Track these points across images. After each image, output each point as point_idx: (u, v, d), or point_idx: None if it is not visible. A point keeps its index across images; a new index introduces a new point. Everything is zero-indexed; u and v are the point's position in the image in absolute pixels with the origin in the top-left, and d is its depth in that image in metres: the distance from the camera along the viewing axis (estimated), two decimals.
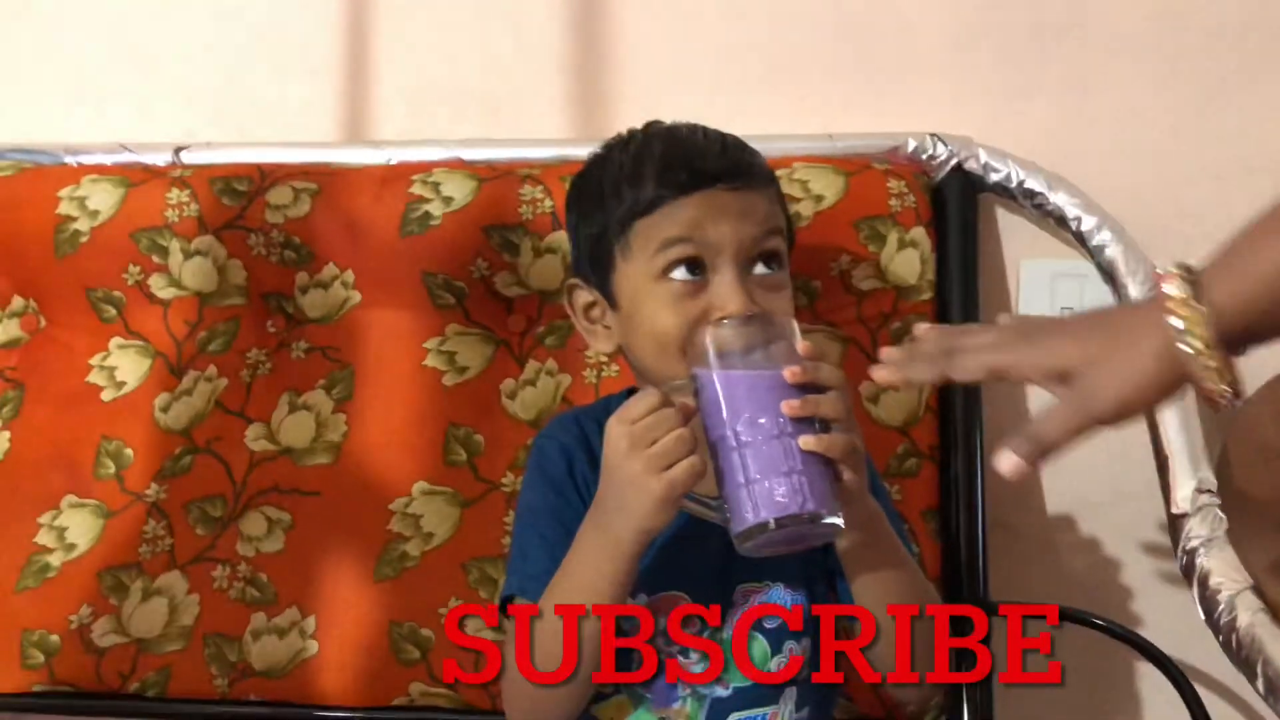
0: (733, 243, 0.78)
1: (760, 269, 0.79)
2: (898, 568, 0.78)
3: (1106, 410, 0.65)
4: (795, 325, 0.73)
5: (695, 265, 0.78)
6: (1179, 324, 0.61)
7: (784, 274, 0.81)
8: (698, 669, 0.80)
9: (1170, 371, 0.62)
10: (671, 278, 0.78)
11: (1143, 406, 0.65)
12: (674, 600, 0.80)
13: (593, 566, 0.74)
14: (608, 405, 0.87)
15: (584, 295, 0.85)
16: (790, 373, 0.70)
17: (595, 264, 0.82)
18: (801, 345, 0.72)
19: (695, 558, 0.79)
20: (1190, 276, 0.62)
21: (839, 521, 0.69)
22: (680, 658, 0.80)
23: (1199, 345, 0.61)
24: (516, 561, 0.83)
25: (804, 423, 0.69)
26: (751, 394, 0.70)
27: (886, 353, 0.72)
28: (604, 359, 1.04)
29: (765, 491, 0.68)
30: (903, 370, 0.71)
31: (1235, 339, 0.62)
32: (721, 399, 0.70)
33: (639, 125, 0.86)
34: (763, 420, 0.69)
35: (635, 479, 0.70)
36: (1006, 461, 0.67)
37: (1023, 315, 0.94)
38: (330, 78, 1.16)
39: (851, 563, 0.78)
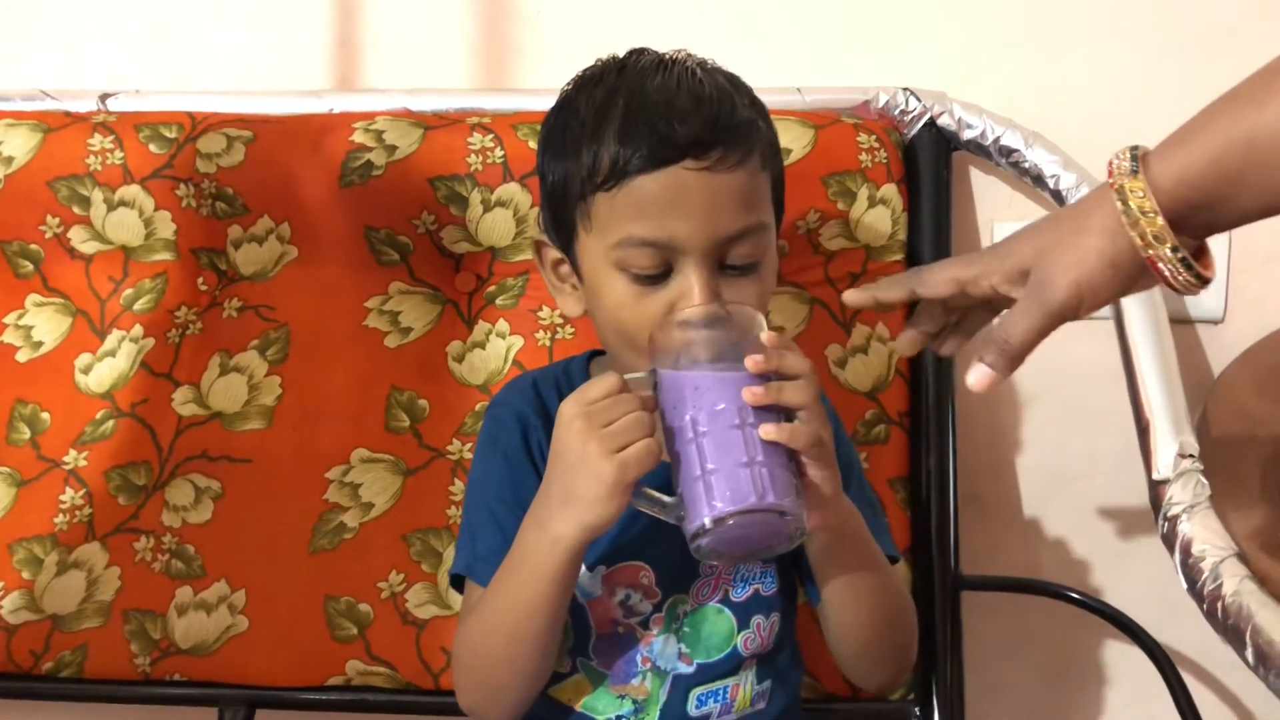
0: (700, 241, 0.70)
1: (732, 261, 0.72)
2: (871, 574, 0.74)
3: (1060, 297, 0.63)
4: (760, 317, 0.69)
5: (658, 262, 0.71)
6: (1121, 194, 0.61)
7: (759, 263, 0.73)
8: (659, 644, 0.75)
9: (1120, 247, 0.62)
10: (632, 271, 0.72)
11: (1099, 290, 0.63)
12: (635, 571, 0.75)
13: (532, 568, 0.69)
14: (567, 368, 0.82)
15: (553, 252, 0.78)
16: (753, 361, 0.65)
17: (558, 225, 0.76)
18: (766, 335, 0.67)
19: (660, 528, 0.74)
20: (1135, 152, 0.62)
21: (802, 519, 0.65)
22: (639, 629, 0.75)
23: (1142, 214, 0.61)
24: (465, 539, 0.78)
25: (767, 413, 0.65)
26: (714, 387, 0.65)
27: (850, 292, 0.73)
28: (559, 320, 0.98)
29: (722, 483, 0.63)
30: (871, 290, 0.72)
31: (1187, 217, 0.61)
32: (682, 392, 0.66)
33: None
34: (722, 408, 0.65)
35: (587, 460, 0.65)
36: (975, 373, 0.66)
37: None
38: (269, 25, 1.10)
39: (821, 566, 0.74)
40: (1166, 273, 0.62)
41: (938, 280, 0.70)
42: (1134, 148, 0.63)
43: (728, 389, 0.65)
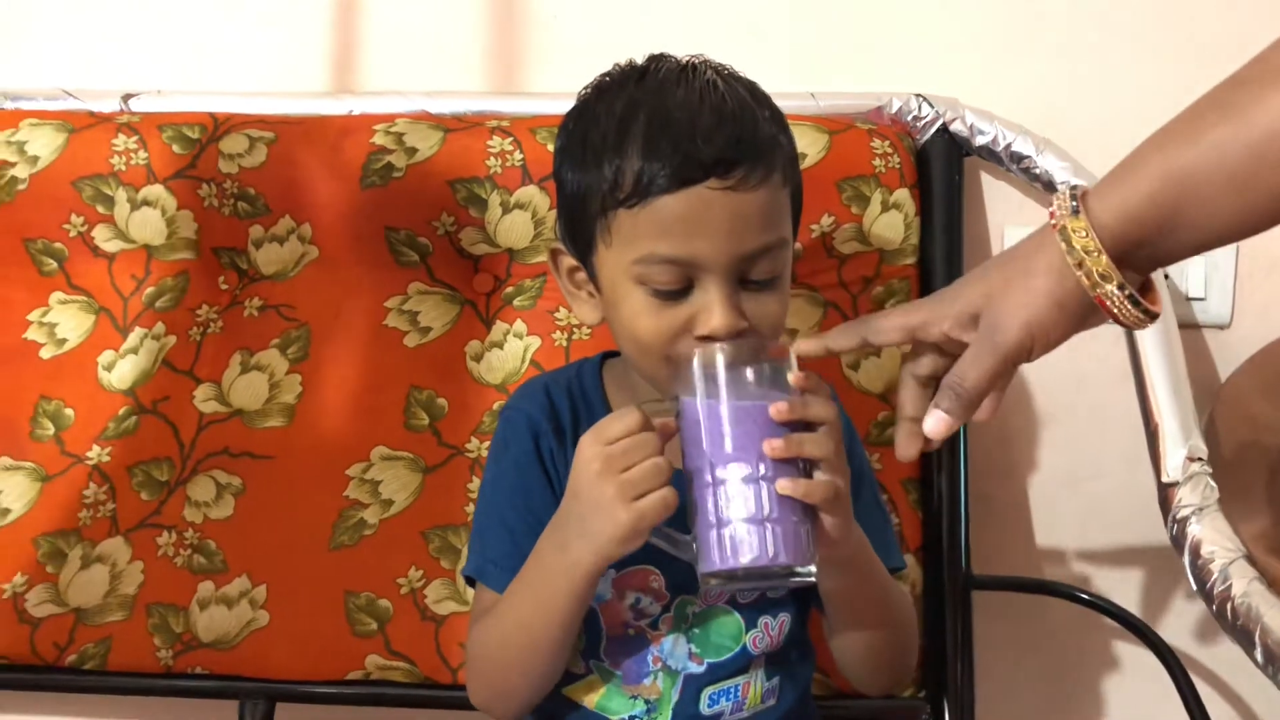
0: (722, 259, 0.70)
1: (753, 277, 0.72)
2: (875, 596, 0.76)
3: (1011, 340, 0.64)
4: (791, 356, 0.68)
5: (679, 279, 0.71)
6: (1065, 235, 0.62)
7: (778, 278, 0.72)
8: (669, 644, 0.76)
9: (1068, 287, 0.63)
10: (653, 286, 0.72)
11: (1050, 330, 0.64)
12: (645, 575, 0.76)
13: (549, 584, 0.70)
14: (580, 371, 0.82)
15: (569, 259, 0.78)
16: (776, 409, 0.65)
17: (576, 235, 0.76)
18: (794, 376, 0.67)
19: None
20: (1075, 192, 0.63)
21: (812, 574, 0.66)
22: (649, 630, 0.76)
23: (1086, 254, 0.61)
24: (476, 542, 0.79)
25: (786, 463, 0.65)
26: (734, 430, 0.65)
27: (802, 341, 0.72)
28: (575, 321, 1.00)
29: (736, 537, 0.64)
30: (823, 340, 0.71)
31: (1130, 254, 0.62)
32: (703, 431, 0.66)
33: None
34: (742, 459, 0.65)
35: (603, 505, 0.66)
36: (932, 420, 0.66)
37: None
38: (289, 27, 1.11)
39: (826, 590, 0.75)
40: (1115, 310, 0.62)
41: (887, 327, 0.69)
42: (1073, 187, 0.64)
43: (749, 434, 0.65)
